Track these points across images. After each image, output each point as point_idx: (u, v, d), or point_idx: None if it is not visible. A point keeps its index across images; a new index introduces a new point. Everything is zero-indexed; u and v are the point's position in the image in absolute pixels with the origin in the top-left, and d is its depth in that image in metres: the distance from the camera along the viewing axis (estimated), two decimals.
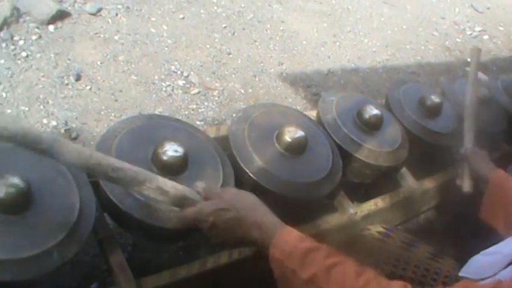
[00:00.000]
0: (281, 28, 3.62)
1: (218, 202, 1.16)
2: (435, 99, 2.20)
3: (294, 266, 1.04)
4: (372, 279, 1.00)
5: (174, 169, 1.47)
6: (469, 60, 4.04)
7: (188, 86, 2.81)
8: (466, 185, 1.85)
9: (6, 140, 1.03)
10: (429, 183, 2.19)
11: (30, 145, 1.04)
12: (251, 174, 1.62)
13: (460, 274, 1.39)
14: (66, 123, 2.33)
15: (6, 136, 1.02)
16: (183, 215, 1.20)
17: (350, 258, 1.04)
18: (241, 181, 1.69)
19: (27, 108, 2.34)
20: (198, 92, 2.79)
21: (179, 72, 2.88)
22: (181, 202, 1.21)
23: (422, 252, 1.56)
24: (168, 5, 3.39)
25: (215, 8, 3.55)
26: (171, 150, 1.46)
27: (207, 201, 1.19)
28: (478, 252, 1.44)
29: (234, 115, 1.94)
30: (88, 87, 2.57)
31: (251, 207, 1.16)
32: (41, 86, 2.47)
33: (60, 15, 2.91)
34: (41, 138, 1.05)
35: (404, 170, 2.13)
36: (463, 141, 1.97)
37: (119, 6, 3.19)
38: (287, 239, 1.07)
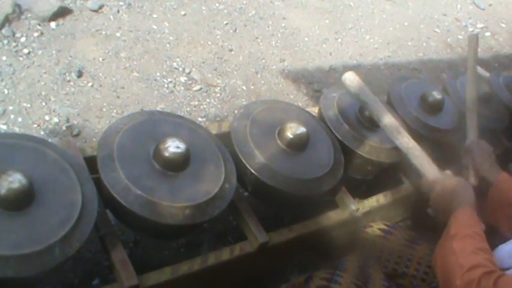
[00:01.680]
0: (283, 25, 3.62)
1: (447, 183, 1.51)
2: (437, 95, 2.20)
3: (456, 230, 1.31)
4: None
5: (176, 165, 1.48)
6: (471, 53, 4.05)
7: (190, 82, 2.81)
8: (472, 179, 1.84)
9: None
10: None
11: None
12: (253, 171, 1.63)
13: None
14: (68, 120, 2.33)
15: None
16: (425, 185, 1.61)
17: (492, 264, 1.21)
18: (243, 177, 1.70)
19: (29, 105, 2.34)
20: (200, 89, 2.79)
21: (181, 68, 2.88)
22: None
23: (424, 249, 1.56)
24: (170, 2, 3.38)
25: (217, 4, 3.54)
26: (173, 147, 1.46)
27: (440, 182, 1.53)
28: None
29: (235, 111, 1.94)
30: (90, 84, 2.57)
31: (465, 189, 1.48)
32: (42, 82, 2.47)
33: (62, 12, 2.91)
34: None
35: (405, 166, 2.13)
36: (467, 135, 1.96)
37: (121, 3, 3.18)
38: (464, 215, 1.37)
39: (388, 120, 1.80)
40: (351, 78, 1.93)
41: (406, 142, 1.73)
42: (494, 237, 1.54)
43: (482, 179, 1.80)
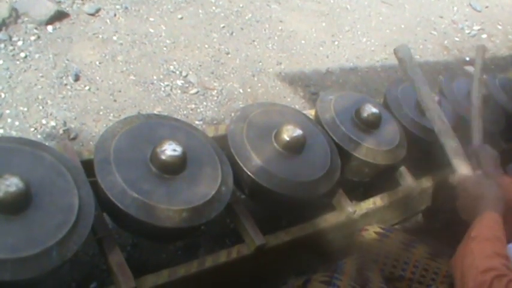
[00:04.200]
0: (279, 28, 3.62)
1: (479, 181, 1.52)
2: (433, 97, 2.20)
3: (478, 234, 1.31)
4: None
5: (172, 168, 1.48)
6: (467, 59, 4.06)
7: (187, 85, 2.82)
8: None
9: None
10: (427, 182, 2.20)
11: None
12: (249, 173, 1.63)
13: None
14: (65, 124, 2.33)
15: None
16: (455, 179, 1.61)
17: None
18: (240, 180, 1.70)
19: (26, 109, 2.34)
20: (197, 92, 2.79)
21: (178, 72, 2.88)
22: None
23: (421, 252, 1.56)
24: (167, 5, 3.39)
25: (213, 8, 3.55)
26: (170, 150, 1.46)
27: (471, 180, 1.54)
28: None
29: (232, 114, 1.94)
30: (87, 88, 2.57)
31: (495, 194, 1.46)
32: (39, 86, 2.47)
33: (59, 16, 2.91)
34: None
35: (402, 168, 2.13)
36: (472, 139, 1.96)
37: (117, 7, 3.19)
38: (486, 220, 1.36)
39: (432, 105, 1.85)
40: (404, 51, 1.98)
41: (445, 131, 1.74)
42: None
43: None
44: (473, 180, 1.53)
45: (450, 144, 1.69)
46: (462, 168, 1.61)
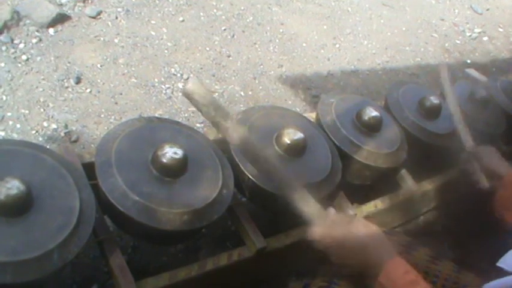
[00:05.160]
0: (281, 30, 3.63)
1: (349, 226, 1.24)
2: (434, 100, 2.21)
3: None
4: None
5: (173, 171, 1.48)
6: (468, 61, 4.06)
7: None
8: (484, 181, 1.84)
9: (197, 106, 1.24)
10: (429, 185, 2.20)
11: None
12: (250, 176, 1.63)
13: (498, 264, 1.37)
14: (66, 126, 2.34)
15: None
16: (312, 234, 1.28)
17: None
18: (241, 183, 1.70)
19: (27, 111, 2.35)
20: None
21: (179, 74, 2.88)
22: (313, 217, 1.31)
23: (421, 255, 1.56)
24: (168, 8, 3.39)
25: (215, 10, 3.55)
26: (171, 153, 1.47)
27: (338, 224, 1.26)
28: (478, 253, 1.43)
29: (233, 117, 1.94)
30: (88, 90, 2.57)
31: (376, 235, 1.24)
32: (41, 89, 2.48)
33: (60, 19, 2.91)
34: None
35: (403, 171, 2.13)
36: (463, 144, 1.97)
37: (119, 9, 3.19)
38: (395, 268, 1.17)
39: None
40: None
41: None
42: (489, 239, 1.54)
43: (493, 178, 1.79)
44: (344, 228, 1.24)
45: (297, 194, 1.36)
46: (320, 218, 1.30)
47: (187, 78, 2.87)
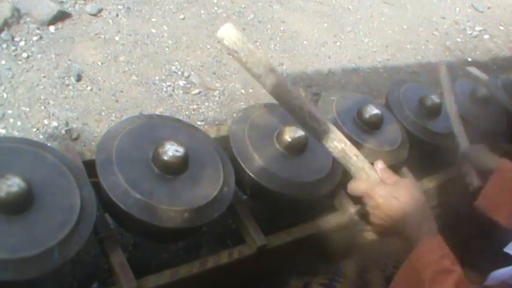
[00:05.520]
0: (281, 28, 3.62)
1: (392, 189, 1.15)
2: (435, 99, 2.21)
3: (424, 277, 1.06)
4: None
5: (174, 169, 1.48)
6: (469, 60, 4.06)
7: (189, 86, 2.82)
8: (475, 181, 1.84)
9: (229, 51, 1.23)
10: (429, 183, 2.19)
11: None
12: (251, 174, 1.63)
13: (505, 250, 1.36)
14: (67, 124, 2.34)
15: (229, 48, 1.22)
16: (356, 184, 1.22)
17: None
18: (242, 180, 1.70)
19: (28, 109, 2.35)
20: (199, 92, 2.79)
21: (180, 72, 2.88)
22: (357, 172, 1.23)
23: None
24: (169, 6, 3.39)
25: (215, 8, 3.55)
26: (172, 150, 1.46)
27: (382, 183, 1.18)
28: (478, 253, 1.43)
29: (234, 115, 1.94)
30: (89, 88, 2.57)
31: (419, 206, 1.15)
32: (41, 86, 2.48)
33: (61, 16, 2.91)
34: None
35: (404, 169, 2.13)
36: (459, 144, 1.97)
37: (120, 7, 3.19)
38: (431, 250, 1.09)
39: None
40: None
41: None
42: (489, 237, 1.53)
43: (486, 171, 1.78)
44: (388, 188, 1.17)
45: (341, 146, 1.28)
46: (365, 171, 1.24)
47: (188, 76, 2.87)
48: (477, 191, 1.83)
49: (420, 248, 1.09)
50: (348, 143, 1.25)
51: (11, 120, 2.28)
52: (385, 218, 1.15)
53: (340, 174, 1.83)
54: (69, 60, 2.68)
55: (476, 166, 1.85)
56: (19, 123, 2.28)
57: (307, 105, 1.25)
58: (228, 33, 1.24)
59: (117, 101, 2.56)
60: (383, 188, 1.16)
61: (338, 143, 1.24)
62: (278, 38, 3.50)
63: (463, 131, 1.99)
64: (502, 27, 4.86)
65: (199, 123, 2.61)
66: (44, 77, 2.53)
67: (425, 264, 1.07)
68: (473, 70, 3.02)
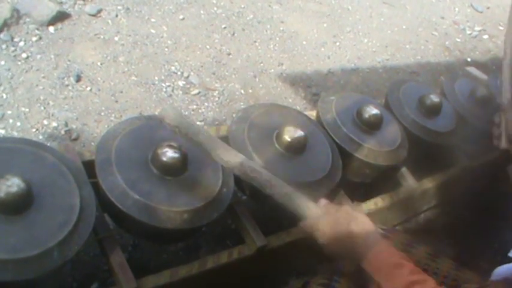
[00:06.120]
0: (281, 28, 3.62)
1: (336, 217, 1.24)
2: (435, 98, 2.21)
3: (380, 279, 1.15)
4: None
5: (173, 170, 1.48)
6: (469, 60, 4.05)
7: (188, 86, 2.82)
8: (503, 141, 1.79)
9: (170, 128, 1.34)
10: (429, 183, 2.20)
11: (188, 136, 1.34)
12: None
13: (510, 255, 1.37)
14: (66, 124, 2.33)
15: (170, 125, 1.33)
16: (304, 224, 1.30)
17: (431, 278, 1.12)
18: (241, 181, 1.70)
19: (27, 110, 2.35)
20: (198, 93, 2.79)
21: (179, 72, 2.88)
22: (303, 212, 1.31)
23: (420, 252, 1.56)
24: (168, 6, 3.39)
25: (215, 8, 3.55)
26: (171, 151, 1.47)
27: (326, 215, 1.26)
28: (478, 253, 1.43)
29: (234, 115, 1.94)
30: (88, 88, 2.57)
31: (361, 223, 1.24)
32: (41, 87, 2.48)
33: (60, 17, 2.91)
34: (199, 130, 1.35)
35: (404, 169, 2.13)
36: (502, 93, 1.89)
37: (119, 7, 3.19)
38: (379, 253, 1.18)
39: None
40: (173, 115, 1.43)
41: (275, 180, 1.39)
42: (489, 236, 1.53)
43: None
44: (331, 217, 1.25)
45: (285, 191, 1.35)
46: (310, 210, 1.30)
47: (188, 77, 2.87)
48: (502, 152, 1.77)
49: (370, 256, 1.17)
50: (291, 188, 1.34)
51: (11, 120, 2.28)
52: (336, 244, 1.23)
53: (340, 174, 1.83)
54: (69, 60, 2.68)
55: (508, 128, 1.80)
56: (18, 123, 2.28)
57: (247, 161, 1.40)
58: (167, 112, 1.38)
59: (116, 101, 2.56)
60: (327, 219, 1.25)
61: (284, 189, 1.34)
62: (277, 38, 3.50)
63: (510, 83, 1.88)
64: (501, 27, 4.86)
65: (198, 123, 2.61)
66: (43, 77, 2.53)
67: (377, 267, 1.16)
68: (472, 70, 3.02)
